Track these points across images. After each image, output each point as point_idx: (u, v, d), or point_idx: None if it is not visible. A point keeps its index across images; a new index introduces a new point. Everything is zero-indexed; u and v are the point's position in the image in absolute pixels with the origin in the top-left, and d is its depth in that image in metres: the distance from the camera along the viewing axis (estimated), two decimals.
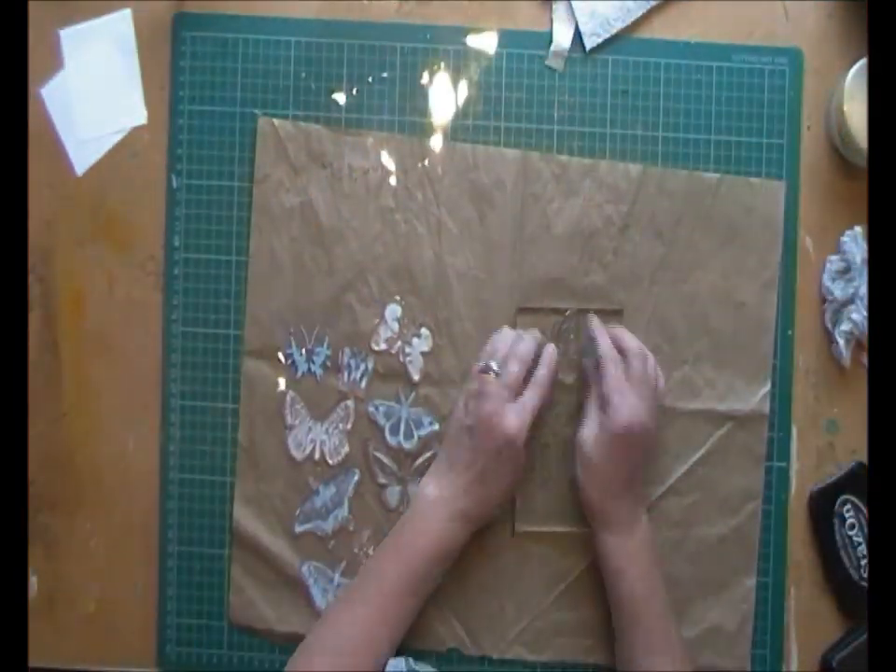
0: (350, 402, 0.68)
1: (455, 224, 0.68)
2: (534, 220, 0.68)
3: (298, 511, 0.68)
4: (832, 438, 0.70)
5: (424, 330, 0.68)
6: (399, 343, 0.68)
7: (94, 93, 0.69)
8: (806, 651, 0.69)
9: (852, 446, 0.69)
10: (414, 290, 0.68)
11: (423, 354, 0.68)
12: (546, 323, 0.68)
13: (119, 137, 0.69)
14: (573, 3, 0.69)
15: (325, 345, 0.69)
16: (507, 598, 0.68)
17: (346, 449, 0.68)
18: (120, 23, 0.69)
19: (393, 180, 0.68)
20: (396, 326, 0.68)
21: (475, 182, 0.68)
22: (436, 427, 0.68)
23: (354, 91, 0.69)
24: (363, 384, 0.68)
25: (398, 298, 0.68)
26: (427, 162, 0.68)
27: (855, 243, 0.69)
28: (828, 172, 0.70)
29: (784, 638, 0.69)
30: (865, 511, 0.68)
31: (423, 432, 0.68)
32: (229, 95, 0.69)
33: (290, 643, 0.68)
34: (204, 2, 0.69)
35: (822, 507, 0.69)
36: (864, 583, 0.68)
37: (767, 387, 0.68)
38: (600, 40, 0.69)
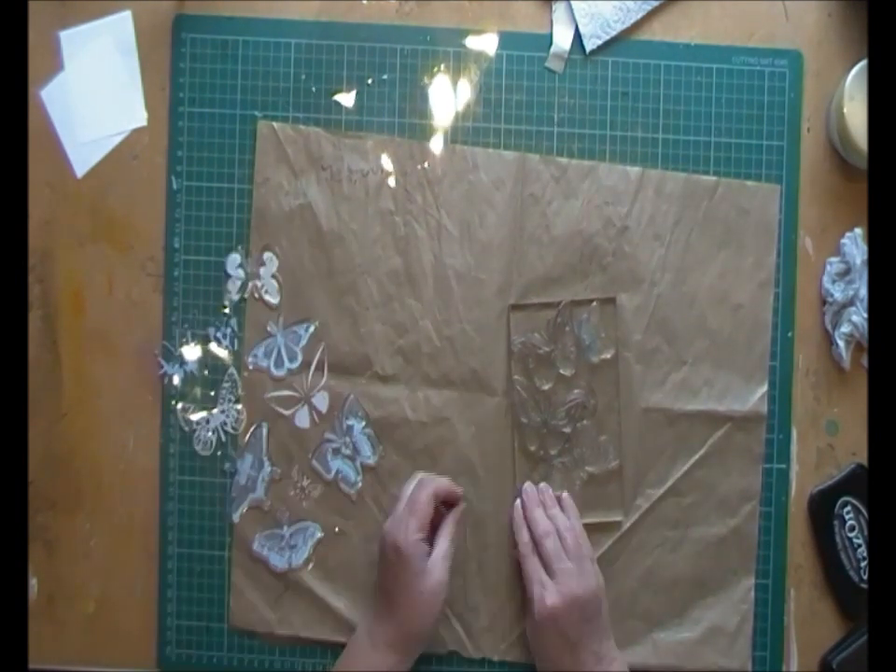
0: (231, 369, 0.69)
1: (454, 226, 0.68)
2: (533, 222, 0.68)
3: (230, 502, 0.69)
4: (832, 439, 0.70)
5: (266, 254, 0.68)
6: (250, 283, 0.68)
7: (94, 95, 0.69)
8: (806, 653, 0.69)
9: (852, 448, 0.69)
10: (414, 292, 0.68)
11: (273, 276, 0.68)
12: (539, 319, 0.68)
13: (119, 139, 0.69)
14: (573, 5, 0.69)
15: (190, 341, 0.69)
16: (507, 600, 0.68)
17: (245, 415, 0.69)
18: (120, 25, 0.69)
19: (392, 182, 0.68)
20: (240, 272, 0.68)
21: (474, 184, 0.68)
22: (313, 327, 0.68)
23: (354, 93, 0.69)
24: (235, 345, 0.69)
25: (267, 254, 0.68)
26: (426, 165, 0.68)
27: (855, 244, 0.68)
28: (828, 173, 0.70)
29: (784, 640, 0.69)
30: (865, 513, 0.68)
31: (303, 343, 0.68)
32: (229, 97, 0.69)
33: (292, 645, 0.68)
34: (205, 2, 0.69)
35: (822, 509, 0.69)
36: (864, 585, 0.68)
37: (765, 388, 0.69)
38: (600, 42, 0.69)
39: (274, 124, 0.69)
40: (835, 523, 0.69)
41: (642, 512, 0.68)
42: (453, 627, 0.68)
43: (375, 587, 0.65)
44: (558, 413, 0.68)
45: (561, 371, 0.68)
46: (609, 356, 0.68)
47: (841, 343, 0.68)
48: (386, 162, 0.68)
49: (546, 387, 0.68)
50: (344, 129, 0.69)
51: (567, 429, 0.68)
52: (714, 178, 0.69)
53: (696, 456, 0.68)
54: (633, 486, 0.68)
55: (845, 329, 0.68)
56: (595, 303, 0.68)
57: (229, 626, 0.69)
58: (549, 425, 0.68)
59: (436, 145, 0.68)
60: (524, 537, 0.65)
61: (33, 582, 0.69)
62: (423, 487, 0.64)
